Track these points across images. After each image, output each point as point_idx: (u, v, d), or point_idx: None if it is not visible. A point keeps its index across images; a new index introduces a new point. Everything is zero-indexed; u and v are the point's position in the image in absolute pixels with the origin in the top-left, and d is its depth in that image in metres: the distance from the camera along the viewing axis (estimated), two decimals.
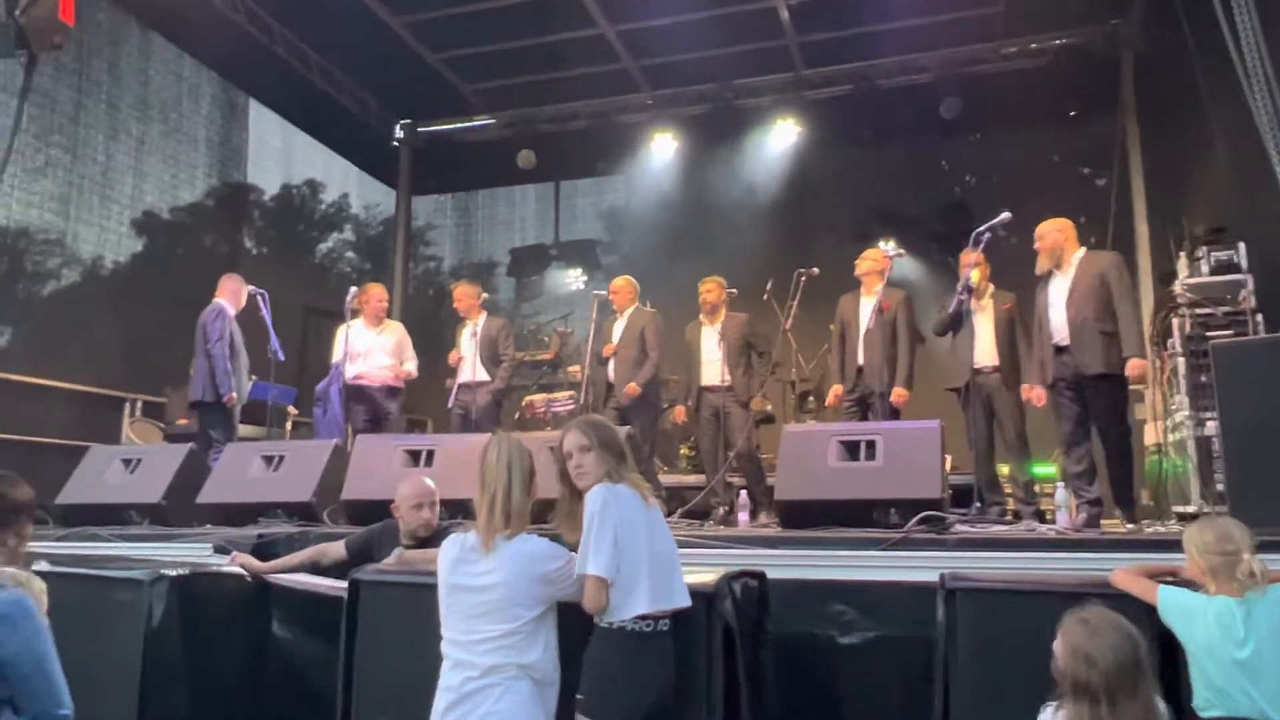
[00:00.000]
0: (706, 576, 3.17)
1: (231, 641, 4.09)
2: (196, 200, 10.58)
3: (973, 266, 5.91)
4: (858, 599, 3.77)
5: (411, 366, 7.51)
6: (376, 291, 7.54)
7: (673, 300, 10.15)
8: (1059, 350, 5.51)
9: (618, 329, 7.38)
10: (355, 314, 7.35)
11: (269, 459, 5.98)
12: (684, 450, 9.00)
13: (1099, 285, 5.41)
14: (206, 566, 4.39)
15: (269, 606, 4.26)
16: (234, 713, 4.01)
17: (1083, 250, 5.66)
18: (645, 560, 2.77)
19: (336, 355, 7.24)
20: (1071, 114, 10.73)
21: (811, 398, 8.73)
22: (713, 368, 6.86)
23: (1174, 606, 2.77)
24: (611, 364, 7.28)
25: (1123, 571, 2.99)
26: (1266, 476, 3.94)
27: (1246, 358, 4.32)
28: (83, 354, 8.60)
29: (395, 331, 7.55)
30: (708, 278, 7.10)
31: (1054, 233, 5.63)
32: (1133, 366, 5.26)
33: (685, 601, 2.87)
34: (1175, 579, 2.93)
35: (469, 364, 7.36)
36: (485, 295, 7.83)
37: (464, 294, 7.65)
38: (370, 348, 7.29)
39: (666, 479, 7.89)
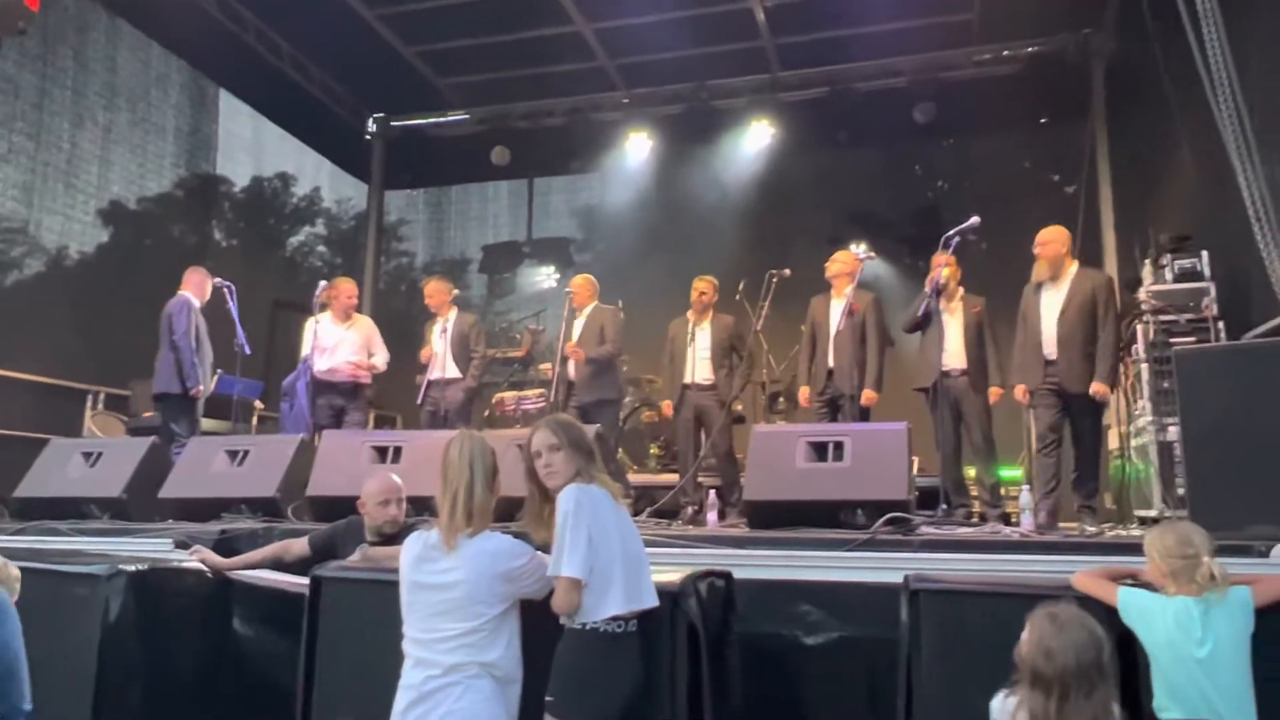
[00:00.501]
0: (672, 575, 3.16)
1: (191, 638, 4.04)
2: (164, 191, 10.43)
3: (943, 267, 5.97)
4: (823, 599, 3.78)
5: (380, 359, 7.45)
6: (346, 286, 7.49)
7: (645, 299, 10.14)
8: (1047, 362, 5.67)
9: (578, 327, 7.40)
10: (324, 308, 7.31)
11: (233, 453, 5.90)
12: (653, 449, 9.00)
13: (1091, 306, 5.60)
14: (167, 562, 4.33)
15: (230, 603, 4.20)
16: (192, 710, 3.95)
17: (1076, 265, 5.79)
18: (619, 560, 2.76)
19: (305, 349, 7.19)
20: (1042, 121, 10.86)
21: (782, 399, 8.76)
22: (698, 366, 6.88)
23: (1134, 607, 2.80)
24: (571, 362, 7.29)
25: (1084, 574, 3.02)
26: (1225, 481, 4.00)
27: (1208, 365, 4.37)
28: (45, 345, 8.44)
29: (364, 327, 7.51)
30: (701, 277, 7.10)
31: (1056, 242, 5.76)
32: (1097, 389, 5.49)
33: (655, 602, 2.86)
34: (1136, 581, 2.96)
35: (440, 361, 7.33)
36: (457, 291, 7.81)
37: (436, 290, 7.61)
38: (338, 342, 7.25)
39: (635, 478, 7.89)
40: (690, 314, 7.04)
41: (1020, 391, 5.83)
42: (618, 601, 2.73)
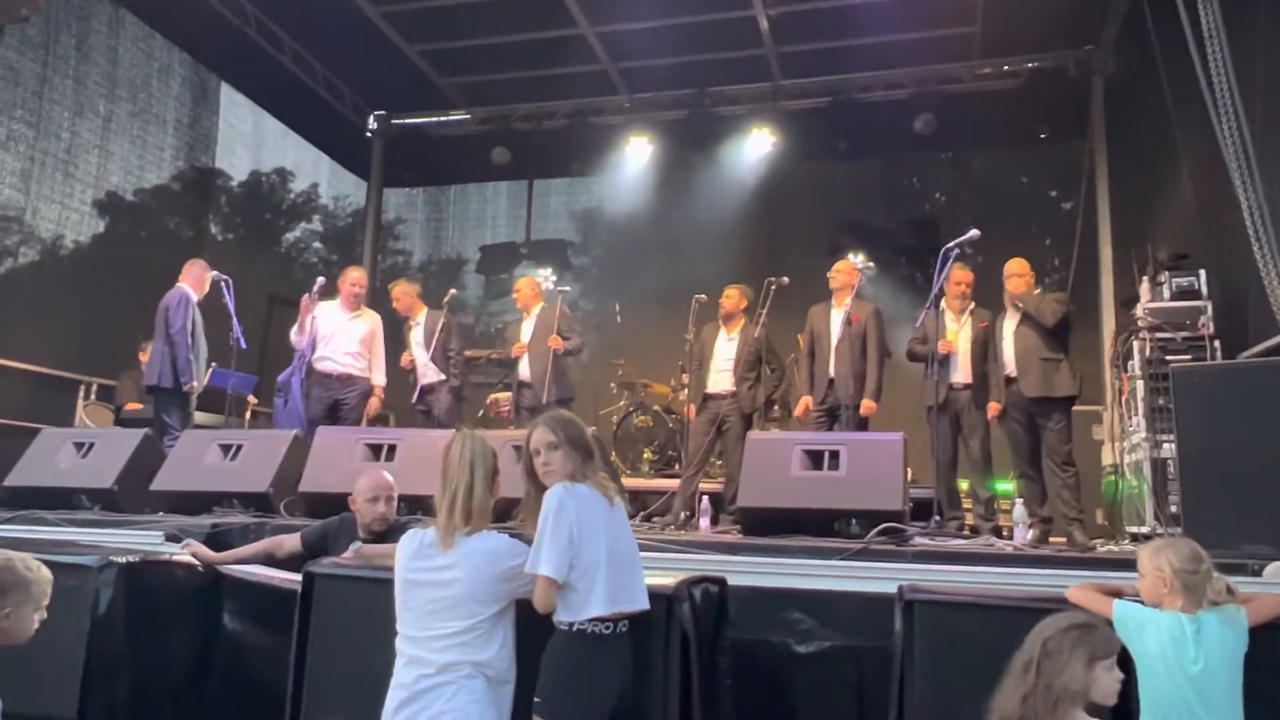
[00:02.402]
0: (666, 580, 3.15)
1: (180, 632, 4.01)
2: (162, 182, 10.40)
3: (961, 284, 6.27)
4: (816, 608, 3.78)
5: (379, 374, 7.30)
6: (353, 274, 7.35)
7: (641, 303, 10.18)
8: (1009, 381, 5.96)
9: (526, 329, 7.41)
10: (326, 295, 7.21)
11: (226, 448, 5.88)
12: (647, 453, 8.99)
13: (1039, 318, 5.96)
14: (157, 554, 4.31)
15: (220, 598, 4.18)
16: (180, 705, 3.93)
17: (1036, 290, 6.21)
18: (604, 562, 2.75)
19: (295, 331, 7.06)
20: (1041, 136, 10.89)
21: (777, 406, 8.74)
22: (722, 376, 6.83)
23: (1129, 620, 2.80)
24: (525, 362, 7.28)
25: (1078, 588, 3.03)
26: (1220, 499, 4.01)
27: (1204, 383, 4.38)
28: (37, 334, 8.40)
29: (370, 321, 7.30)
30: (730, 285, 7.08)
31: (1029, 274, 6.16)
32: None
33: (644, 604, 2.85)
34: (1129, 596, 2.96)
35: (422, 365, 7.28)
36: (454, 291, 7.77)
37: (403, 293, 7.54)
38: (336, 332, 7.10)
39: (629, 482, 7.87)
40: (720, 322, 7.02)
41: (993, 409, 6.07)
42: (600, 603, 2.72)
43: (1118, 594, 2.97)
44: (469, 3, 9.73)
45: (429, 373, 7.29)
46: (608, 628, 2.74)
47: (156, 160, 10.25)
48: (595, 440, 3.03)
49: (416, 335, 7.39)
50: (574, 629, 2.74)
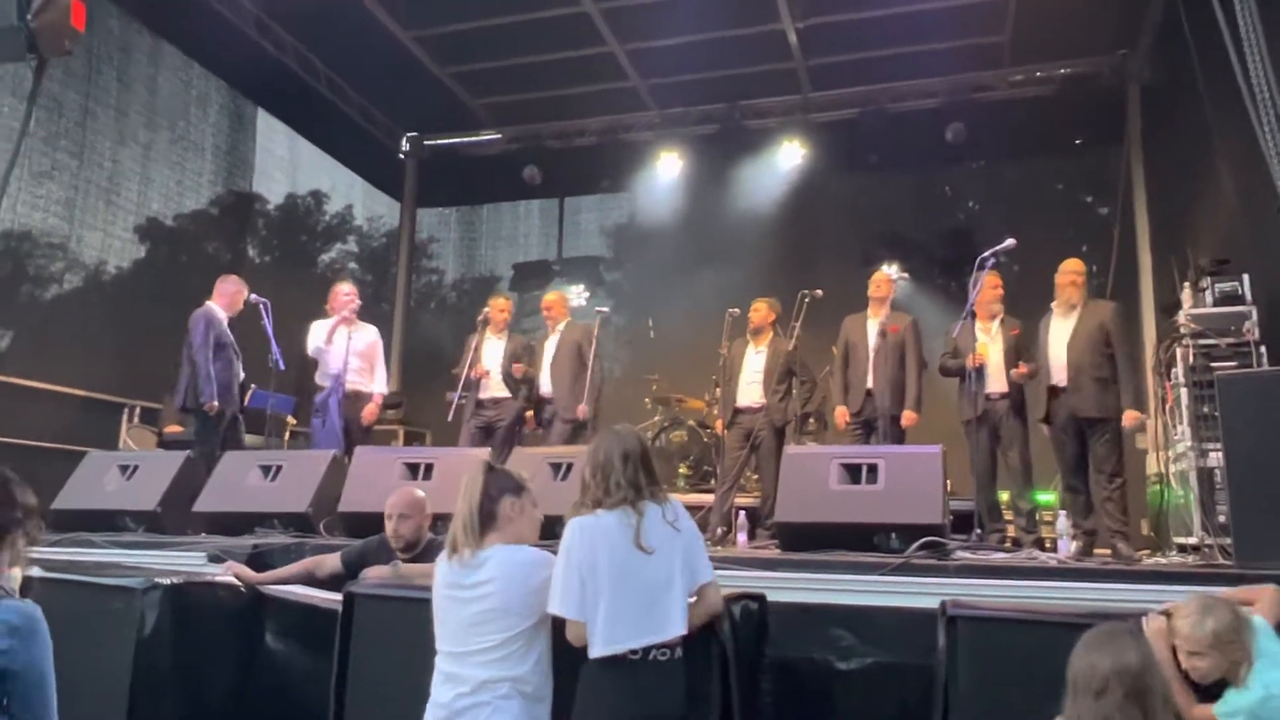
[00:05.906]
0: None
1: (223, 652, 4.06)
2: (201, 208, 10.58)
3: (994, 290, 6.16)
4: (857, 624, 3.74)
5: (381, 385, 7.38)
6: (339, 287, 7.44)
7: (674, 318, 10.18)
8: (1058, 391, 5.81)
9: (550, 345, 7.38)
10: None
11: (266, 468, 5.95)
12: (682, 469, 8.96)
13: (1099, 334, 5.79)
14: (200, 576, 4.36)
15: (262, 618, 4.22)
16: None
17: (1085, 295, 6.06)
18: (604, 601, 2.71)
19: (324, 340, 7.14)
20: (1076, 143, 10.77)
21: (812, 419, 8.69)
22: (751, 389, 6.81)
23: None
24: (547, 377, 7.26)
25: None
26: (1269, 509, 3.92)
27: (1252, 390, 4.30)
28: (82, 359, 8.56)
29: (368, 334, 7.37)
30: (759, 299, 7.07)
31: (1081, 274, 6.03)
32: (1128, 418, 5.67)
33: (653, 639, 2.72)
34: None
35: (495, 379, 7.32)
36: None
37: (503, 307, 7.59)
38: (338, 348, 7.12)
39: None
40: (748, 335, 7.00)
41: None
42: (597, 646, 2.70)
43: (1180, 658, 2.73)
44: (498, 24, 9.81)
45: (499, 389, 7.32)
46: (636, 654, 2.71)
47: (195, 186, 10.44)
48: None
49: (495, 348, 7.40)
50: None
